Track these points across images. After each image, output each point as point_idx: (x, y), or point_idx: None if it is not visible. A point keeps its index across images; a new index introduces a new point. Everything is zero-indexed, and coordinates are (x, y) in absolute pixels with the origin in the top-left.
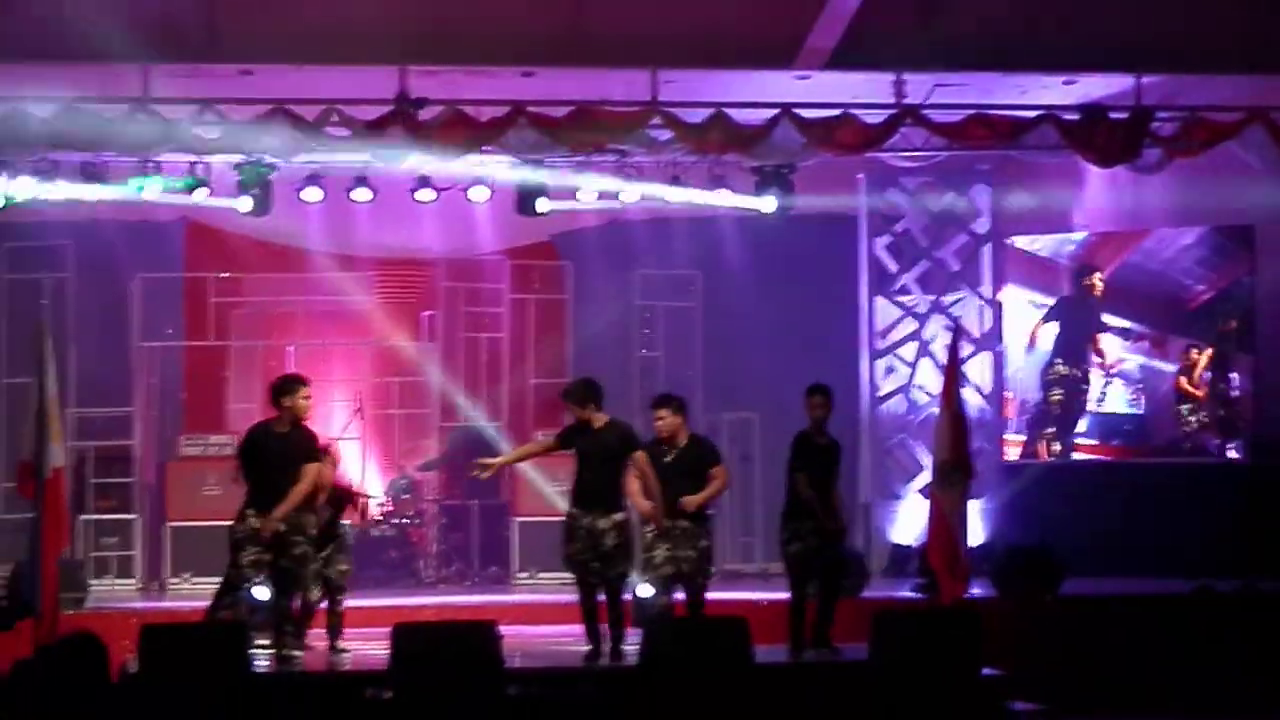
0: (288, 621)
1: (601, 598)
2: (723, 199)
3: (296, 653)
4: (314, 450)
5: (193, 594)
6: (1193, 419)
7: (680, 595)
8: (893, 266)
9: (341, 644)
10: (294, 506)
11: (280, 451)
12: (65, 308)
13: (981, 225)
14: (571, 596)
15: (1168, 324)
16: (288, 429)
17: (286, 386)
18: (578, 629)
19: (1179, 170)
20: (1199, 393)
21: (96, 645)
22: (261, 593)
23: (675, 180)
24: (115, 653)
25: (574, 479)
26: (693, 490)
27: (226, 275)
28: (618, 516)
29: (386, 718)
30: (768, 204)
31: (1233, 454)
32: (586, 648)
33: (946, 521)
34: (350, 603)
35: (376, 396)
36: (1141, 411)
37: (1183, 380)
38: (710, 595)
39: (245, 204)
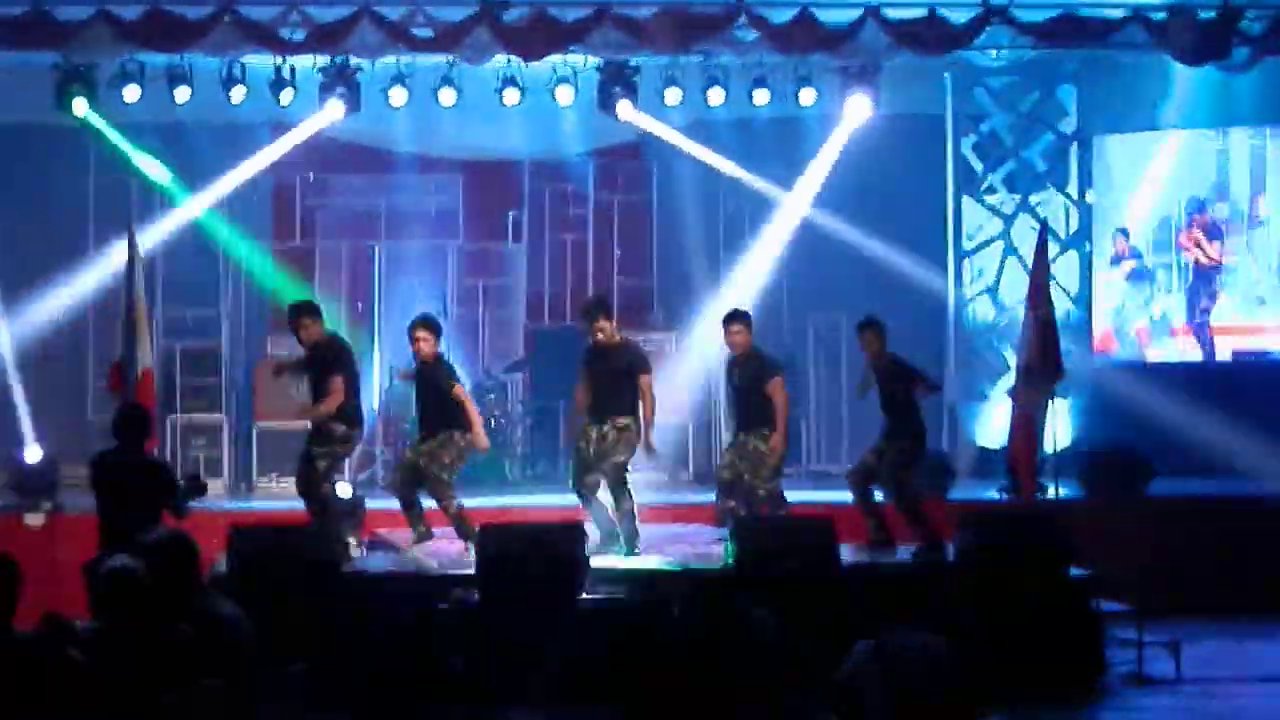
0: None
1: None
2: (808, 101)
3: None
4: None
5: (280, 494)
6: None
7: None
8: (979, 166)
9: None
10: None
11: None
12: (153, 209)
13: (1068, 125)
14: (655, 498)
15: None
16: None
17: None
18: (664, 529)
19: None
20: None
21: (189, 545)
22: (343, 491)
23: (760, 81)
24: (204, 553)
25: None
26: (752, 404)
27: (314, 177)
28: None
29: (473, 618)
30: (854, 105)
31: None
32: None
33: (1029, 422)
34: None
35: (463, 298)
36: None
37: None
38: (797, 496)
39: (333, 106)
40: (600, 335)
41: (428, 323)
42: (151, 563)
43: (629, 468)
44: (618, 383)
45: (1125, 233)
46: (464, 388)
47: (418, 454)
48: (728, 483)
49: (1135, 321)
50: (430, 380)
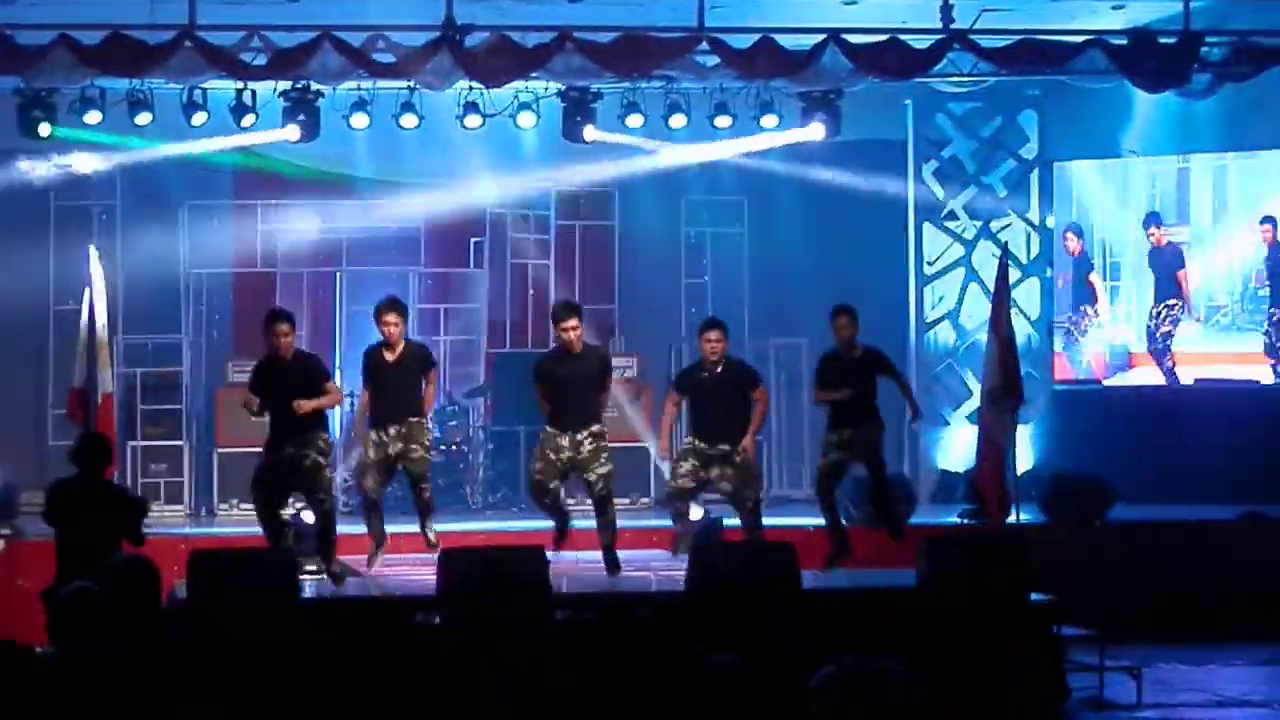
0: (328, 536)
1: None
2: (770, 126)
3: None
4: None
5: (241, 520)
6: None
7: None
8: (940, 192)
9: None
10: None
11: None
12: (114, 235)
13: (1029, 151)
14: (624, 522)
15: None
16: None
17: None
18: (626, 553)
19: (1229, 95)
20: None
21: (150, 569)
22: (309, 517)
23: (722, 107)
24: (164, 578)
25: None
26: (732, 410)
27: (275, 202)
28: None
29: (435, 642)
30: (814, 130)
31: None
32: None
33: (995, 447)
34: (399, 528)
35: (424, 323)
36: None
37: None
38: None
39: (292, 132)
40: (572, 335)
41: (397, 305)
42: (110, 587)
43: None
44: (588, 388)
45: (1078, 230)
46: None
47: (385, 446)
48: (688, 491)
49: (1091, 349)
50: (408, 363)
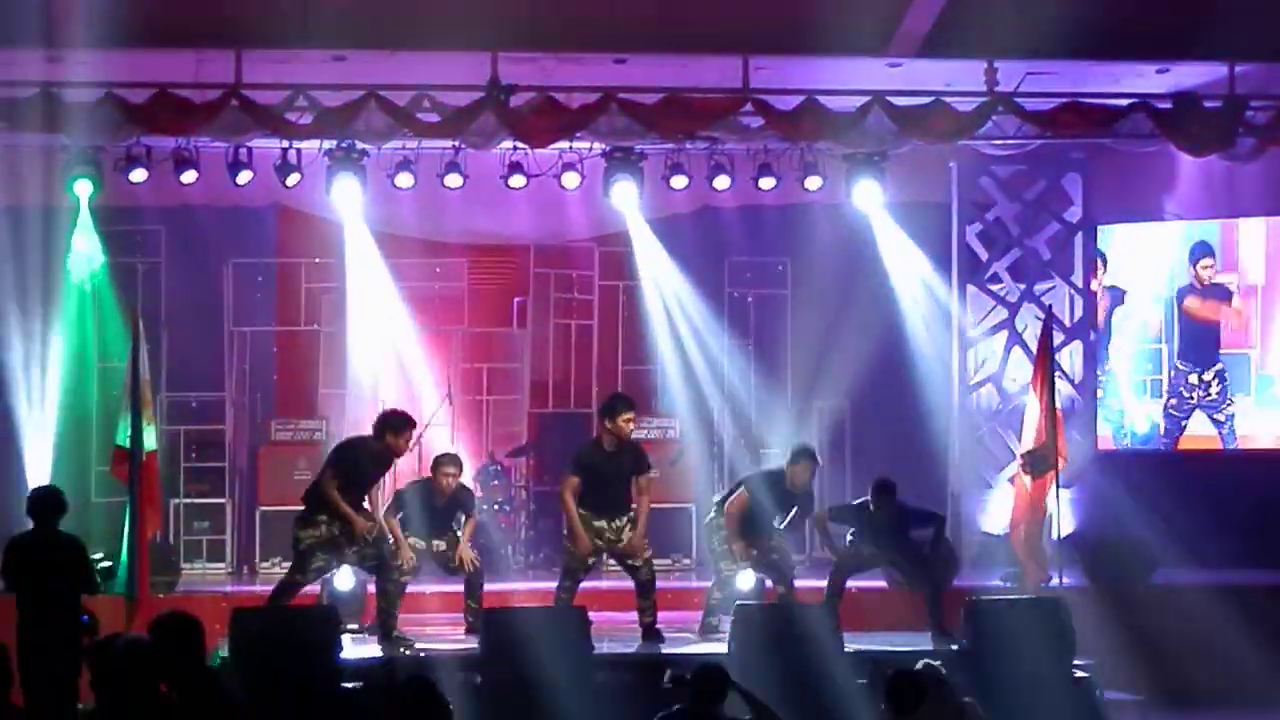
0: (395, 605)
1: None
2: (813, 187)
3: (407, 636)
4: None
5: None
6: None
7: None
8: (984, 255)
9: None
10: None
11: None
12: (158, 293)
13: (1073, 214)
14: (665, 583)
15: None
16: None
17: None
18: (666, 614)
19: (1274, 159)
20: None
21: (195, 625)
22: (344, 583)
23: (766, 168)
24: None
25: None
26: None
27: (318, 260)
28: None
29: (477, 702)
30: (859, 192)
31: None
32: None
33: (1032, 509)
34: (441, 588)
35: (467, 382)
36: None
37: None
38: (801, 583)
39: (338, 190)
40: (628, 430)
41: (457, 460)
42: (157, 640)
43: None
44: (625, 482)
45: (1103, 257)
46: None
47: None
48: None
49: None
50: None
